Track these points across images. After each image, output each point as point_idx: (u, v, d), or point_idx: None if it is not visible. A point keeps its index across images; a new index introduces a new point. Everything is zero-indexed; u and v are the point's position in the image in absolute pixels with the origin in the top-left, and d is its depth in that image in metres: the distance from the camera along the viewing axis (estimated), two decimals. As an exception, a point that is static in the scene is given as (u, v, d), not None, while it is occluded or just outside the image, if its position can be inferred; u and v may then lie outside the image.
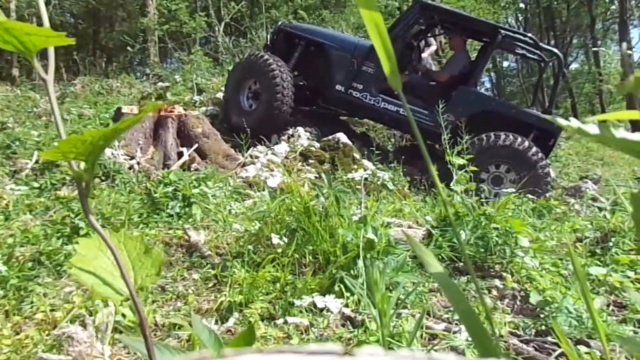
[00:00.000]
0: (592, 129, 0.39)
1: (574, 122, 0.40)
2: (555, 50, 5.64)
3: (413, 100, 5.15)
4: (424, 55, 6.25)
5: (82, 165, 0.49)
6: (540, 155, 4.73)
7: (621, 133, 0.38)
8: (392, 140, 6.68)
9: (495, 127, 4.86)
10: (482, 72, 5.76)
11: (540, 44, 5.31)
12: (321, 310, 1.77)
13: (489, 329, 0.39)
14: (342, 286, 1.90)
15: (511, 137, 4.74)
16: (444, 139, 3.16)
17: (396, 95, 5.19)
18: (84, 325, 1.55)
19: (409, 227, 2.84)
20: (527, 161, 4.71)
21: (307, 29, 6.04)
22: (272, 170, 4.34)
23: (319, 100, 5.78)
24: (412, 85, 5.26)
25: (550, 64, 5.87)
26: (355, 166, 4.65)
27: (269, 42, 6.07)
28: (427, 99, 5.02)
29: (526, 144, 4.73)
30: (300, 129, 5.39)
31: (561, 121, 0.41)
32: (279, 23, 6.37)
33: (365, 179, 3.63)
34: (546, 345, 1.60)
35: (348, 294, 1.88)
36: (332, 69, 5.33)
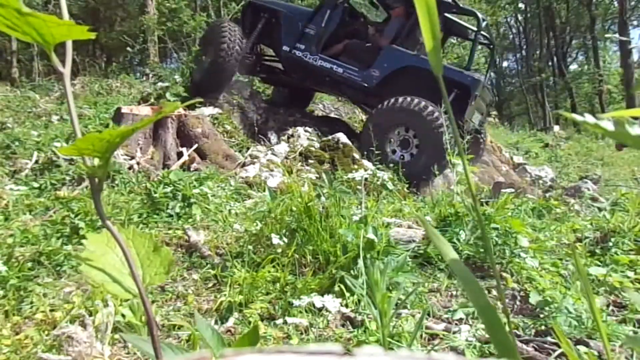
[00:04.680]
0: (608, 125, 0.39)
1: (589, 118, 0.40)
2: (474, 10, 6.07)
3: (349, 62, 5.60)
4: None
5: (96, 161, 0.49)
6: (435, 114, 4.89)
7: (637, 130, 0.37)
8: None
9: (416, 83, 5.10)
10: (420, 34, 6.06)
11: (459, 3, 5.66)
12: (319, 309, 1.76)
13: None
14: (342, 286, 1.90)
15: (408, 99, 4.96)
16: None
17: (332, 55, 5.76)
18: (83, 325, 1.55)
19: (409, 227, 2.84)
20: (423, 122, 4.91)
21: (272, 1, 6.36)
22: (272, 171, 4.34)
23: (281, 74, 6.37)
24: (350, 49, 5.85)
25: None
26: (355, 166, 4.65)
27: (240, 17, 6.56)
28: (362, 59, 5.54)
29: (422, 104, 4.92)
30: (300, 129, 5.40)
31: (577, 117, 0.41)
32: None
33: (365, 179, 3.62)
34: (546, 346, 1.60)
35: (348, 294, 1.88)
36: (283, 32, 5.83)
